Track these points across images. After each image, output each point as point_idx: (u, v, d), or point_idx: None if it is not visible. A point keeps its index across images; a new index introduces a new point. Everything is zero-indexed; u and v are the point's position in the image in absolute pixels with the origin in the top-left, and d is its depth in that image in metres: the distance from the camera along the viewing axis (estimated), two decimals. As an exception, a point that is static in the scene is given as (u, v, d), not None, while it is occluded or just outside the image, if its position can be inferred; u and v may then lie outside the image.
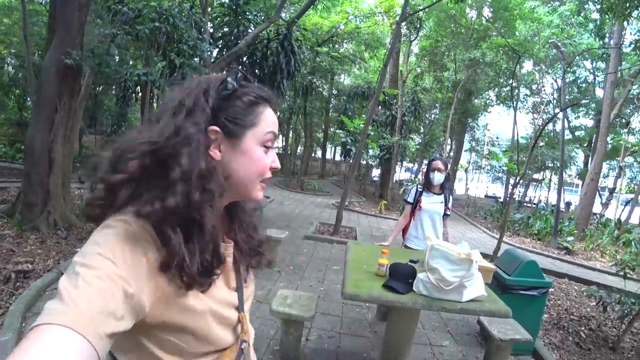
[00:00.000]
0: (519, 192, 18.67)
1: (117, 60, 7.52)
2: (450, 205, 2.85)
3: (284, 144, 19.70)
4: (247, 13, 6.91)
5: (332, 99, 19.41)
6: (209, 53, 5.33)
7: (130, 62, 10.69)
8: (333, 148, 28.77)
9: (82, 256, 0.47)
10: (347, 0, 13.80)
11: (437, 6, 10.60)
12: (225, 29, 7.51)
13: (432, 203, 2.77)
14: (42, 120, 4.91)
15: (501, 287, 3.17)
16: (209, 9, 7.41)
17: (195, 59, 5.04)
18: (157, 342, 0.55)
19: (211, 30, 7.18)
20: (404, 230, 2.99)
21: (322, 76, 14.21)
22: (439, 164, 2.69)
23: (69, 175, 5.38)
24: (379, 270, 2.07)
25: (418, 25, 11.39)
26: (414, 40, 12.83)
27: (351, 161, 11.86)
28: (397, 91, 12.57)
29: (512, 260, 3.41)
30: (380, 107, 14.07)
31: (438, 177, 2.68)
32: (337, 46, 14.84)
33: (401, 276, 1.93)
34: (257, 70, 7.76)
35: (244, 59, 7.23)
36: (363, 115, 13.29)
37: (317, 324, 3.15)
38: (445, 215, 2.83)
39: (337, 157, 28.15)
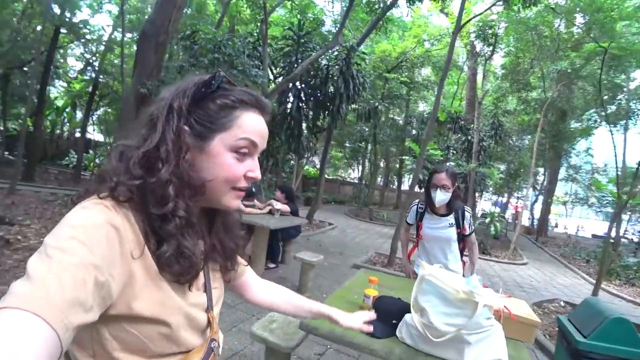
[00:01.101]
0: (637, 231, 15.14)
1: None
2: (468, 224, 2.18)
3: (360, 173, 19.64)
4: (308, 42, 7.23)
5: (408, 127, 18.95)
6: (266, 80, 5.65)
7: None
8: (410, 178, 27.85)
9: (56, 238, 0.45)
10: (415, 25, 13.56)
11: (515, 18, 9.59)
12: (288, 59, 7.98)
13: (436, 228, 2.15)
14: (120, 140, 5.70)
15: (571, 354, 2.31)
16: (273, 41, 8.01)
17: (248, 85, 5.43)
18: (119, 336, 0.53)
19: (274, 60, 7.74)
20: (410, 254, 2.46)
21: (391, 102, 13.95)
22: (442, 178, 2.00)
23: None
24: (363, 303, 1.72)
25: (493, 41, 10.46)
26: (489, 58, 11.80)
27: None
28: (460, 109, 11.58)
29: (591, 314, 2.41)
30: (454, 132, 13.13)
31: (441, 197, 2.02)
32: (407, 72, 14.52)
33: (385, 314, 1.44)
34: (319, 94, 8.00)
35: (302, 85, 7.50)
36: (435, 141, 12.52)
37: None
38: (463, 236, 2.18)
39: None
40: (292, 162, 9.28)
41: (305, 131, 7.45)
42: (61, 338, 0.39)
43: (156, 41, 5.56)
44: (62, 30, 11.38)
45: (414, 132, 14.67)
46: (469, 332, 1.20)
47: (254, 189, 4.86)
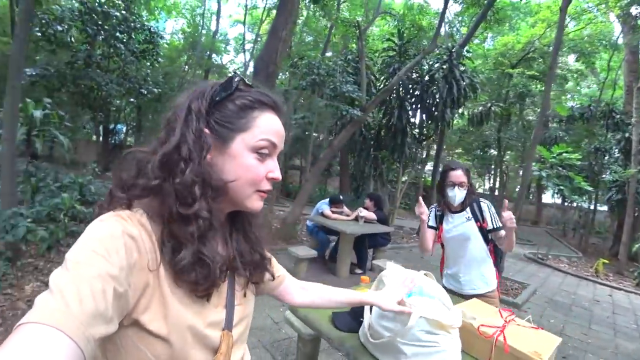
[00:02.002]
0: None
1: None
2: (490, 218, 1.95)
3: (490, 184, 17.76)
4: (410, 50, 7.24)
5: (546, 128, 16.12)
6: (360, 95, 5.98)
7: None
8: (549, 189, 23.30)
9: (75, 252, 0.46)
10: (544, 7, 11.54)
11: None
12: (389, 69, 8.13)
13: (454, 226, 2.01)
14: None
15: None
16: (375, 54, 8.29)
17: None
18: (129, 350, 0.54)
19: (374, 74, 8.00)
20: (441, 265, 2.23)
21: (517, 101, 12.27)
22: (460, 175, 1.93)
23: (271, 199, 7.18)
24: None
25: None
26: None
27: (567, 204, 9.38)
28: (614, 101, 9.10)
29: None
30: (607, 128, 10.61)
31: (460, 195, 1.93)
32: (538, 64, 12.49)
33: (356, 310, 1.44)
34: (423, 102, 7.87)
35: (405, 94, 7.52)
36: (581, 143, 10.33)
37: None
38: (488, 231, 1.95)
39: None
40: (411, 171, 9.26)
41: (409, 140, 7.39)
42: (83, 350, 0.39)
43: (266, 73, 6.62)
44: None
45: (550, 134, 12.46)
46: (405, 342, 1.11)
47: (341, 197, 5.21)
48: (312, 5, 7.38)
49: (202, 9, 12.58)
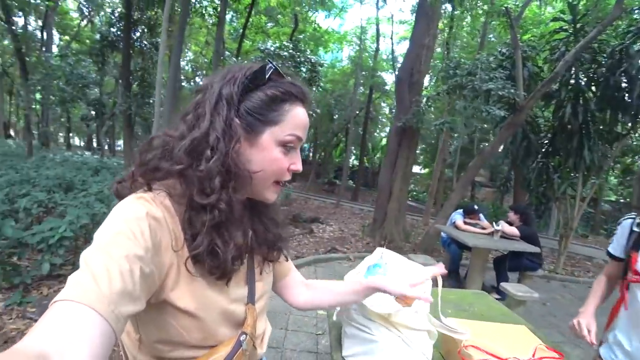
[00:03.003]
0: None
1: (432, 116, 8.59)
2: None
3: None
4: (587, 26, 5.60)
5: None
6: (514, 91, 5.10)
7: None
8: None
9: (103, 233, 0.48)
10: None
11: None
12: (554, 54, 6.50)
13: None
14: (387, 164, 7.14)
15: None
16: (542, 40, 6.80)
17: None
18: (159, 325, 0.56)
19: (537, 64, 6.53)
20: (610, 319, 1.28)
21: None
22: None
23: (404, 203, 7.19)
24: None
25: None
26: None
27: None
28: None
29: None
30: None
31: None
32: None
33: None
34: (609, 90, 5.89)
35: (581, 82, 5.85)
36: None
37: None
38: None
39: None
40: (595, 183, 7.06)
41: (591, 141, 5.66)
42: (114, 327, 0.41)
43: (409, 82, 6.63)
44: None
45: None
46: (348, 320, 1.11)
47: (476, 206, 4.59)
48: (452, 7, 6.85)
49: (360, 33, 13.60)
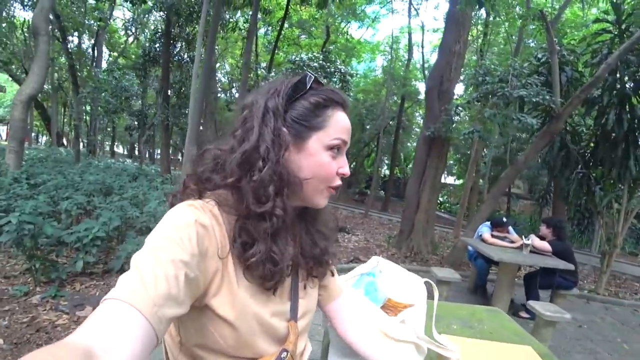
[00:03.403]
0: None
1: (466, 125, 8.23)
2: None
3: None
4: (633, 26, 5.16)
5: None
6: (550, 97, 4.82)
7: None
8: None
9: (154, 237, 0.50)
10: None
11: None
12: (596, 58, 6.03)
13: None
14: (415, 174, 6.97)
15: None
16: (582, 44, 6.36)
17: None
18: (199, 330, 0.58)
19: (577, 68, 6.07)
20: None
21: None
22: None
23: (432, 215, 6.97)
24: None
25: None
26: None
27: None
28: None
29: None
30: None
31: None
32: None
33: None
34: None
35: (626, 87, 5.38)
36: None
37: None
38: None
39: None
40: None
41: (638, 150, 5.18)
42: (155, 329, 0.43)
43: (439, 90, 6.48)
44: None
45: None
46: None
47: (505, 219, 4.33)
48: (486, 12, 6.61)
49: (391, 43, 13.52)
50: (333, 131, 0.62)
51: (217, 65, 17.97)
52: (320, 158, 0.61)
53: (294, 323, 0.66)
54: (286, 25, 15.10)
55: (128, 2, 8.78)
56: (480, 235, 4.21)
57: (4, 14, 9.59)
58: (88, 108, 10.83)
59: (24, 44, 11.65)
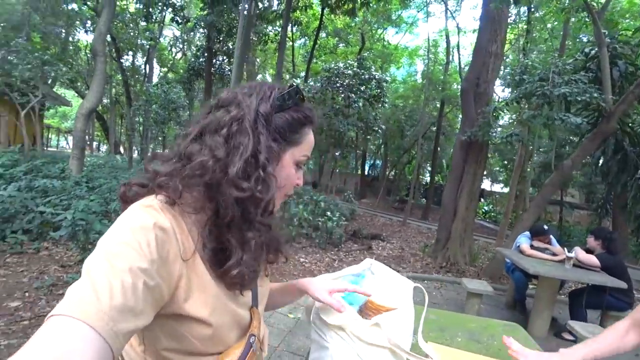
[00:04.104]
0: None
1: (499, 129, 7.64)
2: None
3: None
4: None
5: None
6: (591, 96, 4.39)
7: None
8: None
9: (108, 243, 0.46)
10: None
11: None
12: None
13: None
14: (451, 181, 6.69)
15: None
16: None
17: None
18: (169, 334, 0.56)
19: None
20: None
21: None
22: None
23: (470, 223, 6.61)
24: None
25: None
26: None
27: None
28: None
29: None
30: None
31: None
32: None
33: None
34: None
35: None
36: None
37: None
38: None
39: None
40: None
41: None
42: (111, 345, 0.39)
43: (475, 92, 6.19)
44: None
45: None
46: (312, 323, 1.02)
47: (546, 227, 3.96)
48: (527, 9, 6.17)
49: (428, 46, 13.14)
50: (304, 148, 0.65)
51: (259, 76, 18.69)
52: (289, 171, 0.64)
53: (255, 309, 0.68)
54: (322, 34, 15.36)
55: (174, 22, 9.48)
56: (518, 246, 3.91)
57: (70, 38, 10.85)
58: (141, 119, 11.76)
59: (87, 64, 13.02)
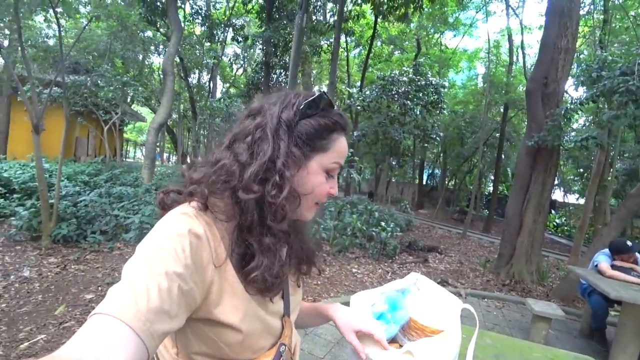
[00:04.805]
0: None
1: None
2: None
3: None
4: None
5: None
6: None
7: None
8: None
9: (146, 247, 0.49)
10: None
11: None
12: None
13: None
14: (516, 190, 6.14)
15: None
16: None
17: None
18: (200, 339, 0.57)
19: None
20: None
21: None
22: None
23: (538, 238, 6.00)
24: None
25: None
26: None
27: None
28: None
29: None
30: None
31: None
32: None
33: None
34: None
35: None
36: None
37: None
38: None
39: None
40: None
41: None
42: (147, 345, 0.41)
43: (543, 93, 5.64)
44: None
45: None
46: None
47: (629, 243, 3.39)
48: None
49: (488, 47, 12.31)
50: (333, 155, 0.63)
51: (315, 87, 19.15)
52: (318, 179, 0.63)
53: (287, 318, 0.69)
54: (377, 43, 15.27)
55: (235, 41, 10.12)
56: (596, 265, 3.43)
57: (145, 62, 12.21)
58: (205, 132, 12.72)
59: (159, 83, 14.46)
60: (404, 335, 1.02)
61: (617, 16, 8.25)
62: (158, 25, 9.88)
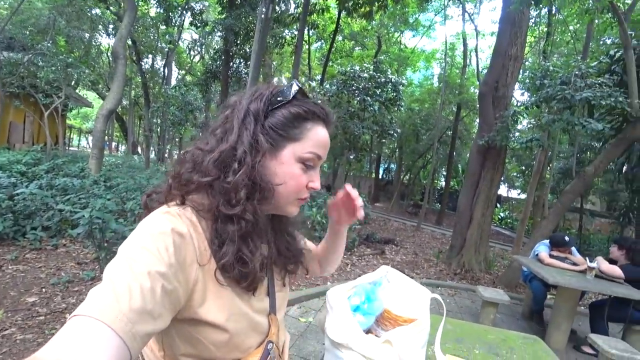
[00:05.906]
0: None
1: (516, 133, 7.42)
2: None
3: None
4: None
5: None
6: (615, 100, 4.23)
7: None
8: None
9: (128, 247, 0.48)
10: None
11: None
12: None
13: None
14: (467, 186, 6.55)
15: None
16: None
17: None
18: (185, 340, 0.56)
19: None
20: None
21: None
22: None
23: (486, 230, 6.46)
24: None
25: None
26: None
27: None
28: None
29: None
30: None
31: None
32: None
33: None
34: None
35: None
36: None
37: None
38: None
39: None
40: None
41: None
42: (129, 346, 0.40)
43: (494, 96, 6.05)
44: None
45: None
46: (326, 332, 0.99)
47: (567, 238, 3.83)
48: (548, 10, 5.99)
49: (445, 50, 12.94)
50: (308, 145, 0.62)
51: (275, 79, 18.83)
52: (291, 169, 0.61)
53: (274, 316, 0.68)
54: (339, 38, 15.36)
55: (193, 26, 9.64)
56: (537, 255, 3.79)
57: (93, 42, 11.23)
58: (158, 121, 12.03)
59: (108, 66, 13.43)
60: (378, 326, 1.07)
61: (559, 30, 9.07)
62: (108, 3, 9.10)
